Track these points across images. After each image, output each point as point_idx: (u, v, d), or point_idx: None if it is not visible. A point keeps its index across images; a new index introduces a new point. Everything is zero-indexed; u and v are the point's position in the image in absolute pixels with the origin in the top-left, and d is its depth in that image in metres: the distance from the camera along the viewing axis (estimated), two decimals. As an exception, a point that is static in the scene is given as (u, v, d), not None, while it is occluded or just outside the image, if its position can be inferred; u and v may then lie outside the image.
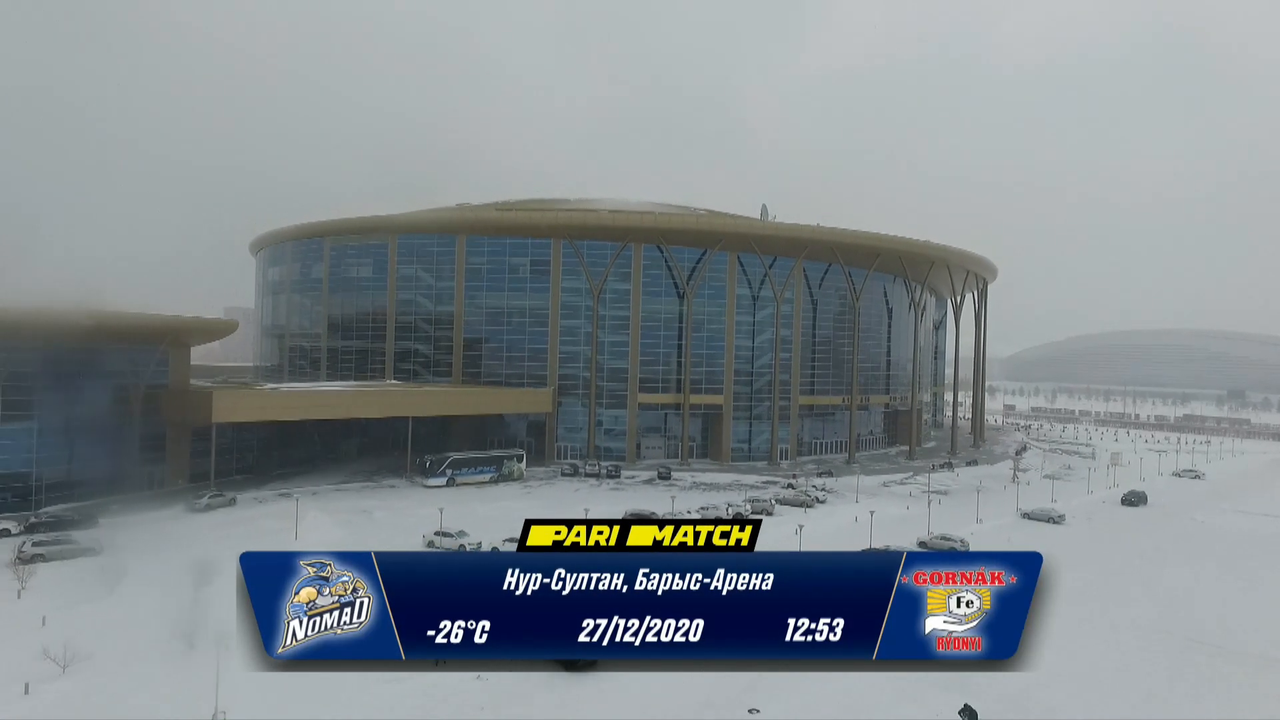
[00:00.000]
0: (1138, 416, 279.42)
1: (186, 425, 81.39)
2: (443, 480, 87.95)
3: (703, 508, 77.20)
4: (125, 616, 44.18)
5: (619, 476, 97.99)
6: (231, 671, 28.59)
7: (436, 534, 61.86)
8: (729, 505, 78.88)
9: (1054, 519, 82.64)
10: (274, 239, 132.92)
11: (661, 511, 71.47)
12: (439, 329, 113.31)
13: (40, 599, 46.29)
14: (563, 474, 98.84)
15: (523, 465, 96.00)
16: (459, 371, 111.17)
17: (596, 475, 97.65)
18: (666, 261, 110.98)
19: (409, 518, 71.14)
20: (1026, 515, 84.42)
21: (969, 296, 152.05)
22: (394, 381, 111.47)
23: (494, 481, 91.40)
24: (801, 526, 63.78)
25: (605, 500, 79.56)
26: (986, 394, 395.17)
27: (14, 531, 59.62)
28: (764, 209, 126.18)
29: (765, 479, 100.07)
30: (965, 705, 33.31)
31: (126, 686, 35.93)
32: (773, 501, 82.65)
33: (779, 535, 64.48)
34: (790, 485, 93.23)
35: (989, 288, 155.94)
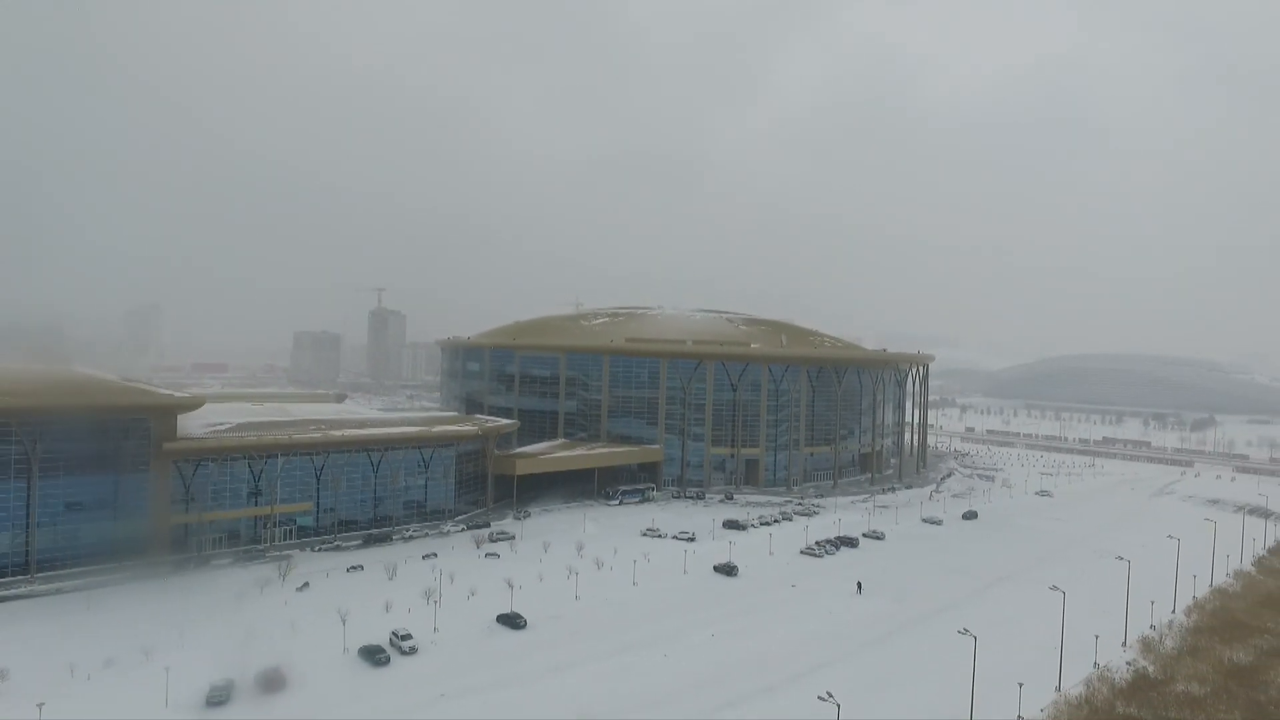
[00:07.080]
0: (1066, 439, 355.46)
1: (494, 473, 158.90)
2: (616, 501, 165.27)
3: (760, 515, 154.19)
4: (563, 559, 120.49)
5: (704, 498, 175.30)
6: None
7: (648, 530, 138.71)
8: (772, 515, 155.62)
9: (936, 521, 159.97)
10: (473, 344, 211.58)
11: (741, 519, 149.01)
12: (590, 408, 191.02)
13: (518, 557, 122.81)
14: (673, 496, 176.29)
15: (654, 492, 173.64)
16: (604, 433, 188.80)
17: (692, 498, 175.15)
18: (726, 371, 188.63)
19: (618, 521, 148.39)
20: (924, 520, 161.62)
21: (918, 370, 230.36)
22: (563, 439, 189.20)
23: (640, 502, 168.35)
24: (807, 527, 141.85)
25: (708, 513, 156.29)
26: (957, 410, 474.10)
27: (466, 529, 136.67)
28: (782, 339, 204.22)
29: (785, 499, 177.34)
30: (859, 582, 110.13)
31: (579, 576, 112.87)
32: (792, 513, 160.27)
33: (793, 531, 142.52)
34: (800, 503, 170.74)
35: (929, 367, 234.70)
